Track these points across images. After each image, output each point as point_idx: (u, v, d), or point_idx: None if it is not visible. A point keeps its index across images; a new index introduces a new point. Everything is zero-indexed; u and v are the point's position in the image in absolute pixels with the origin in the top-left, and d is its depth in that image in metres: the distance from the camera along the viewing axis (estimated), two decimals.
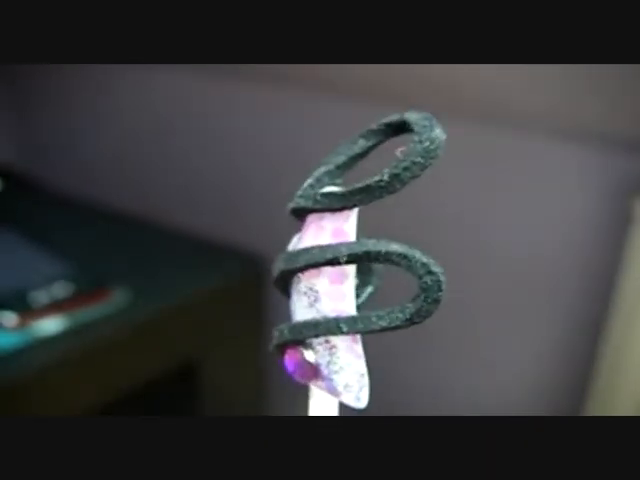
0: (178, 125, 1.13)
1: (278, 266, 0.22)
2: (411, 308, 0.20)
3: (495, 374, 0.95)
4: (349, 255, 0.20)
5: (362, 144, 0.21)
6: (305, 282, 0.21)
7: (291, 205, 0.22)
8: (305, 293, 0.21)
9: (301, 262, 0.21)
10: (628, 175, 0.77)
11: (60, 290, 0.75)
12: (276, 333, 0.22)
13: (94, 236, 0.95)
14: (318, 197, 0.21)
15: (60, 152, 1.29)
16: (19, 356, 0.67)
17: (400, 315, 0.20)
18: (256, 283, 0.91)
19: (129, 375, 0.76)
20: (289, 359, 0.22)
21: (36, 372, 0.68)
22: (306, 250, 0.21)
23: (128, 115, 1.18)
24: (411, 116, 0.20)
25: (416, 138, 0.19)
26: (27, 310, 0.72)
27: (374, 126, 0.21)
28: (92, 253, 0.88)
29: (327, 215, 0.21)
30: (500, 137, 0.84)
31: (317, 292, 0.21)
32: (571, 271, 0.85)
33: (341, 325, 0.20)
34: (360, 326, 0.20)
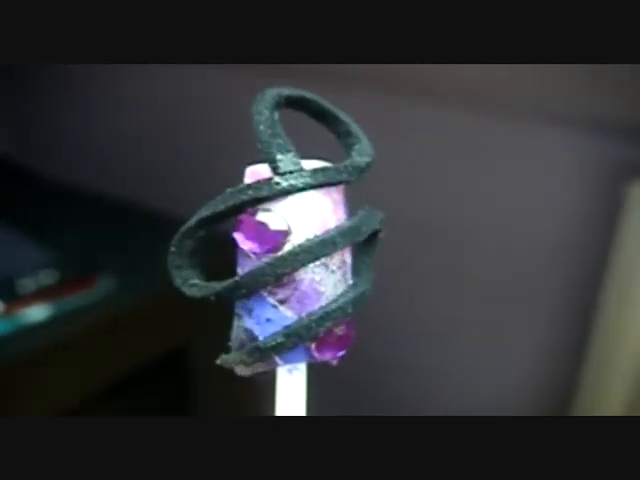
0: (166, 116, 1.13)
1: (331, 243, 0.20)
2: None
3: (494, 363, 0.95)
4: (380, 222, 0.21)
5: (277, 116, 0.21)
6: (339, 257, 0.21)
7: (301, 180, 0.20)
8: (340, 267, 0.21)
9: (364, 234, 0.21)
10: (622, 161, 0.77)
11: (46, 278, 0.75)
12: (339, 308, 0.20)
13: (80, 223, 0.94)
14: (349, 168, 0.21)
15: (47, 140, 1.29)
16: (6, 344, 0.68)
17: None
18: None
19: (116, 362, 0.77)
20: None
21: (23, 359, 0.68)
22: (363, 221, 0.21)
23: (118, 104, 1.18)
24: (330, 106, 0.22)
25: (358, 134, 0.22)
26: (14, 298, 0.72)
27: (277, 98, 0.21)
28: (78, 240, 0.88)
29: (335, 188, 0.21)
30: (497, 122, 0.84)
31: (346, 263, 0.21)
32: (566, 254, 0.85)
33: None
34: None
